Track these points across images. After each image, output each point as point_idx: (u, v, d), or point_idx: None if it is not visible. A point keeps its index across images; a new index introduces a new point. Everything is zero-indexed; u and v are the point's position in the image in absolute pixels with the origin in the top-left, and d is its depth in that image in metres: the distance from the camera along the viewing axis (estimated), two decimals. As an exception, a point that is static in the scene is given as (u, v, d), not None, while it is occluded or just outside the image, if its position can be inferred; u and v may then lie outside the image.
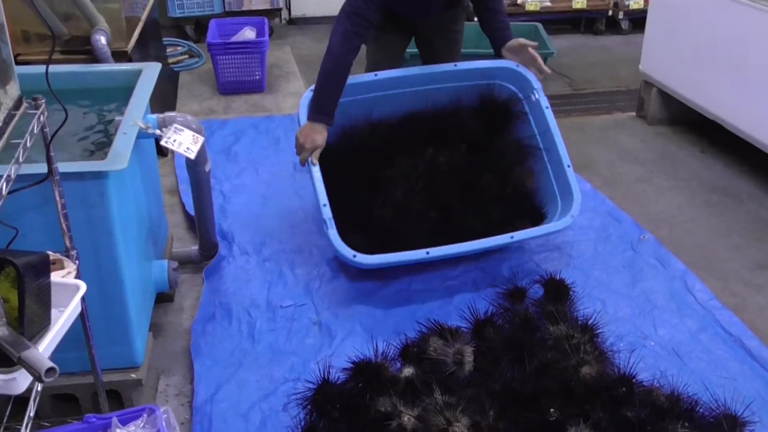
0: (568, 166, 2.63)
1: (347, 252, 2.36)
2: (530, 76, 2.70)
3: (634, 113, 4.15)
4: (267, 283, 2.61)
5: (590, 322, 2.25)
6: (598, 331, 2.25)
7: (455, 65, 2.69)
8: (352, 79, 2.55)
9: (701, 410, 1.98)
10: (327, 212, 2.38)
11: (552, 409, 1.85)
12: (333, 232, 2.37)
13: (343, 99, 2.54)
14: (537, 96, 2.68)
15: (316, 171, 2.45)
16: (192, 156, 2.09)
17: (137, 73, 2.30)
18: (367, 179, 2.62)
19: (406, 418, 1.82)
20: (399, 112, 2.76)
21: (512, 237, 2.49)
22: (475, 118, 2.77)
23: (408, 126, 2.74)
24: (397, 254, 2.40)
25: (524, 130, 2.78)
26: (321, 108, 2.50)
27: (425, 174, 2.60)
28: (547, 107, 2.66)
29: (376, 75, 2.55)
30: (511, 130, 2.79)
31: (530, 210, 2.70)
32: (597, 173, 3.47)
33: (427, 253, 2.40)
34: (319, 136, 2.47)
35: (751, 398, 2.07)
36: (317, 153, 2.47)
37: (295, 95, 4.24)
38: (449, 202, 2.61)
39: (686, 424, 1.91)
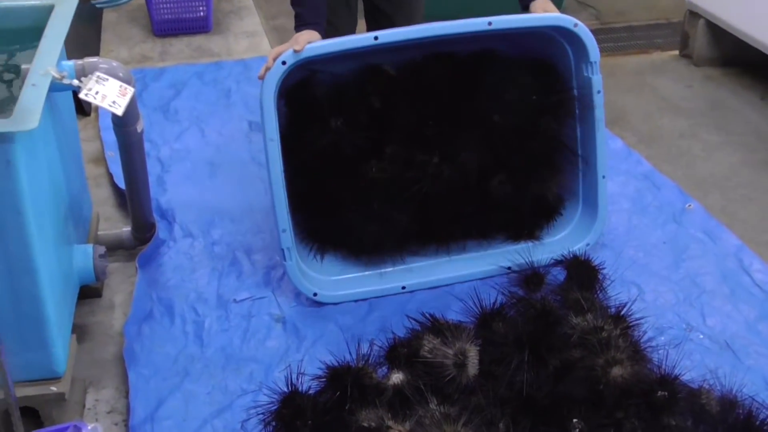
0: (603, 177, 2.63)
1: (307, 290, 2.48)
2: (590, 42, 2.52)
3: (676, 52, 4.18)
4: (217, 273, 2.63)
5: (624, 311, 2.29)
6: (634, 322, 2.28)
7: (489, 23, 2.45)
8: (341, 42, 2.43)
9: (763, 416, 2.03)
10: (287, 240, 2.43)
11: (575, 420, 1.88)
12: (291, 265, 2.45)
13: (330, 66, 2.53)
14: (591, 72, 2.56)
15: (276, 171, 2.38)
16: (119, 112, 2.09)
17: (48, 10, 2.28)
18: (346, 166, 2.59)
19: (395, 435, 1.85)
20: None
21: (510, 268, 2.59)
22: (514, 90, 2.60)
23: (414, 89, 2.67)
24: (366, 289, 2.55)
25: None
26: (303, 19, 2.47)
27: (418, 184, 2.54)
28: (599, 92, 2.57)
29: (376, 38, 2.46)
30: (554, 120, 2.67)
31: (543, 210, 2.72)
32: (631, 128, 3.51)
33: (403, 288, 2.56)
34: (308, 35, 2.39)
35: (823, 401, 2.12)
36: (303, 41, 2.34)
37: (249, 35, 4.25)
38: (443, 210, 2.60)
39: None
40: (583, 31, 2.50)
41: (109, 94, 2.07)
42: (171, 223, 2.84)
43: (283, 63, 2.32)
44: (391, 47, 2.45)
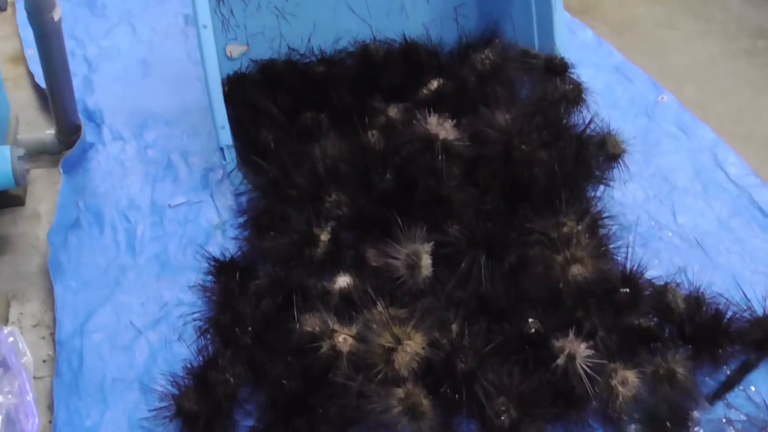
0: None
1: None
2: None
3: (652, -71, 4.15)
4: (150, 178, 2.62)
5: (589, 207, 2.32)
6: (601, 218, 2.32)
7: None
8: None
9: (731, 314, 2.08)
10: (226, 137, 2.43)
11: (531, 320, 1.92)
12: (231, 164, 2.46)
13: None
14: None
15: (211, 62, 2.37)
16: (29, -5, 2.05)
17: None
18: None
19: (341, 339, 1.87)
20: None
21: None
22: None
23: None
24: None
25: None
26: None
27: None
28: None
29: None
30: None
31: None
32: (602, 17, 3.50)
33: None
34: None
35: (794, 297, 2.18)
36: None
37: None
38: None
39: (711, 332, 2.03)
40: None
41: (16, -26, 2.03)
42: (99, 126, 2.82)
43: None
44: None
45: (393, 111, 2.45)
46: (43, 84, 2.75)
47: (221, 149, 2.43)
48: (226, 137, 2.42)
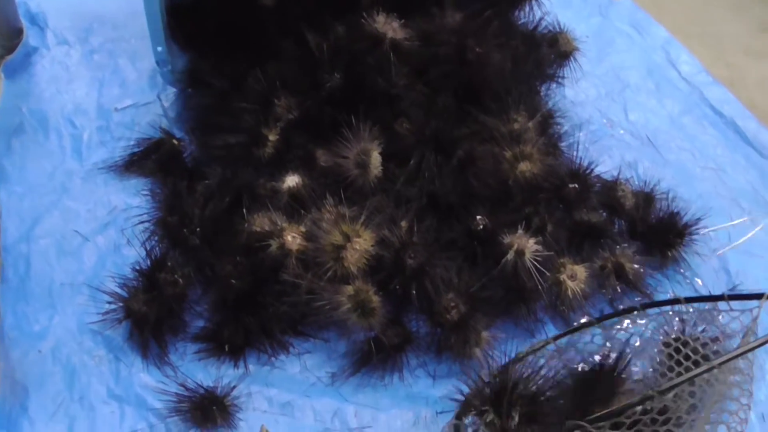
0: None
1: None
2: None
3: None
4: (97, 82, 2.56)
5: (540, 105, 2.29)
6: (553, 116, 2.30)
7: None
8: None
9: (680, 212, 2.09)
10: (162, 54, 2.37)
11: (479, 216, 1.91)
12: (166, 72, 2.41)
13: None
14: None
15: None
16: None
17: None
18: None
19: (290, 237, 1.86)
20: None
21: None
22: None
23: None
24: None
25: None
26: None
27: None
28: None
29: None
30: None
31: None
32: None
33: None
34: None
35: (741, 191, 2.20)
36: None
37: None
38: None
39: (660, 226, 2.04)
40: None
41: None
42: (43, 29, 2.73)
43: None
44: None
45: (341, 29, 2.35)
46: (-21, -19, 2.67)
47: (157, 62, 2.38)
48: (163, 54, 2.36)
